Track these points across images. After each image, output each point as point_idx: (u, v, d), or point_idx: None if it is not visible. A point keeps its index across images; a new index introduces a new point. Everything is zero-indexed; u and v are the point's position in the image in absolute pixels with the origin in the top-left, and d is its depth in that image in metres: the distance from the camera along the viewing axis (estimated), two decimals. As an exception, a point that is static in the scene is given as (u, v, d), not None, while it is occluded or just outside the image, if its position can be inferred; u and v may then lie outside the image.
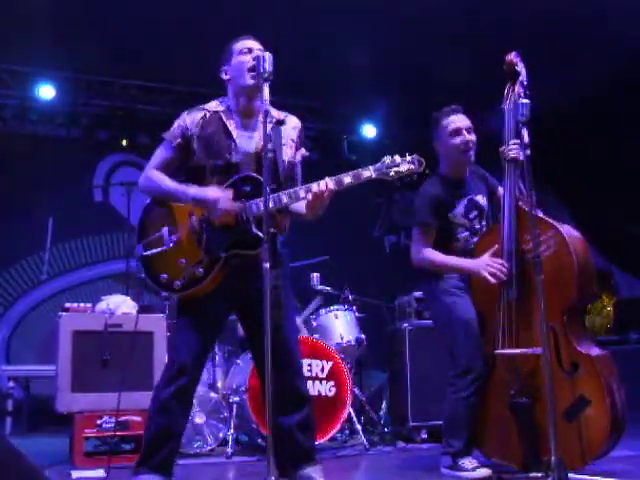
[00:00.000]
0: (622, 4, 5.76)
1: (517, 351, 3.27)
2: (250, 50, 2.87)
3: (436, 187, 3.56)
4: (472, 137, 3.51)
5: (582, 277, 3.23)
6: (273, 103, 2.62)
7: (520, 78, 3.40)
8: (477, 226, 3.59)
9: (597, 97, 6.91)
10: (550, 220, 3.30)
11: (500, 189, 3.59)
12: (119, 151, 7.71)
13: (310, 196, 2.72)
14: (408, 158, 2.76)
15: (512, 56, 3.42)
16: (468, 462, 3.42)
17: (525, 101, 3.08)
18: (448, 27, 6.01)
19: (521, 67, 3.41)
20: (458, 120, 3.53)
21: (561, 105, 6.75)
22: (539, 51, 6.23)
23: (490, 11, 5.81)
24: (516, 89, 3.40)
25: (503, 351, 3.31)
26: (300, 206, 2.87)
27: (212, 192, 2.77)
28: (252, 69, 2.81)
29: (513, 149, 3.34)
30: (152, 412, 2.81)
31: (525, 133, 3.03)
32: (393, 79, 6.87)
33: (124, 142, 7.61)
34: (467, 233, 3.57)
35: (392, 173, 2.74)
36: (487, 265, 3.31)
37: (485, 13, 5.84)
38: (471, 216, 3.58)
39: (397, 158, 2.75)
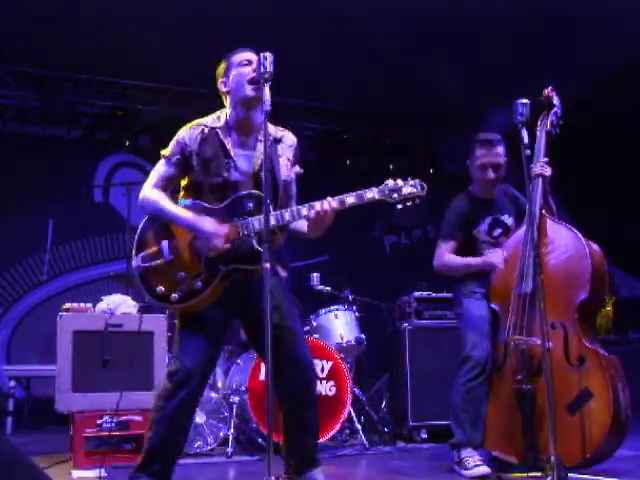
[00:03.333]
0: (622, 4, 5.76)
1: (524, 339, 3.44)
2: (250, 62, 2.86)
3: (464, 204, 3.86)
4: (495, 175, 3.80)
5: (596, 281, 3.45)
6: (273, 104, 2.62)
7: (554, 109, 3.73)
8: (502, 243, 3.79)
9: (597, 97, 6.91)
10: (571, 227, 3.56)
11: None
12: (119, 152, 7.72)
13: (312, 214, 2.73)
14: (411, 182, 2.79)
15: (549, 90, 3.74)
16: (471, 459, 3.47)
17: (525, 101, 3.10)
18: (448, 27, 6.01)
19: (557, 100, 3.74)
20: (487, 155, 3.79)
21: (561, 104, 6.74)
22: (539, 51, 6.28)
23: (490, 11, 5.82)
24: (549, 118, 3.72)
25: (514, 337, 3.49)
26: (301, 225, 2.89)
27: (208, 225, 2.76)
28: (252, 81, 2.81)
29: (539, 166, 3.63)
30: (155, 421, 2.78)
31: (525, 133, 3.06)
32: (394, 78, 6.88)
33: (127, 143, 7.61)
34: (492, 249, 3.77)
35: (395, 196, 2.76)
36: (492, 256, 3.64)
37: (485, 13, 5.84)
38: (495, 234, 3.82)
39: (399, 182, 2.78)
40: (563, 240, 3.54)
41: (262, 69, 2.60)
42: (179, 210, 2.84)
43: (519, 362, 3.46)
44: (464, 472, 3.47)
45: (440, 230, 3.88)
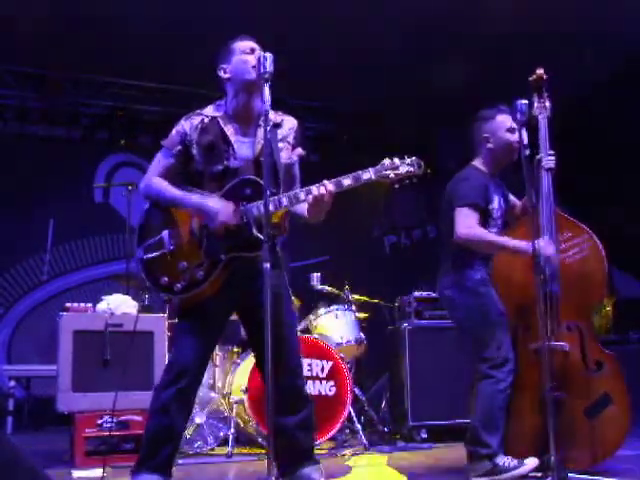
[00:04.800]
0: (622, 4, 5.77)
1: (561, 344, 3.29)
2: (253, 50, 2.88)
3: (482, 176, 3.57)
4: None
5: (605, 282, 3.41)
6: (273, 103, 2.62)
7: (545, 93, 3.52)
8: (500, 225, 3.59)
9: (597, 97, 6.91)
10: (583, 225, 3.46)
11: (511, 197, 3.73)
12: (119, 152, 7.72)
13: (310, 198, 2.74)
14: (407, 160, 2.78)
15: (542, 71, 3.51)
16: (510, 461, 3.25)
17: (524, 101, 3.10)
18: (448, 27, 6.02)
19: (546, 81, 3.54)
20: (511, 120, 3.52)
21: (561, 105, 6.75)
22: (539, 51, 6.27)
23: (490, 11, 5.82)
24: (545, 102, 3.51)
25: (555, 343, 3.28)
26: (302, 209, 2.89)
27: (213, 203, 2.78)
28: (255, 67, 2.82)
29: (551, 160, 3.47)
30: (152, 414, 2.81)
31: (525, 134, 3.05)
32: (394, 78, 6.88)
33: (122, 142, 7.61)
34: (496, 229, 3.55)
35: (392, 175, 2.76)
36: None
37: (485, 13, 5.85)
38: (499, 214, 3.60)
39: (396, 160, 2.77)
40: (578, 239, 3.45)
41: (262, 69, 2.61)
42: (182, 193, 2.87)
43: (551, 368, 3.16)
44: (510, 474, 3.22)
45: (461, 197, 3.45)
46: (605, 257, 3.39)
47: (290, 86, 5.06)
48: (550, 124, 3.52)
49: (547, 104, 3.51)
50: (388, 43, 6.22)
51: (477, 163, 3.65)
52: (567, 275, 3.38)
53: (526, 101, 3.12)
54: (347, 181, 2.76)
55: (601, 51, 6.32)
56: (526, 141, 3.04)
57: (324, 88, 7.09)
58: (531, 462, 3.22)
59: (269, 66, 2.60)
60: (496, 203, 3.54)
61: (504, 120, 3.58)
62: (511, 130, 3.54)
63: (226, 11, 5.68)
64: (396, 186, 2.77)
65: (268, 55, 2.63)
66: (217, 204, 2.77)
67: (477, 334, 3.42)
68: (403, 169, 2.76)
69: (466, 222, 3.38)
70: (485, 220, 3.49)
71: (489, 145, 3.60)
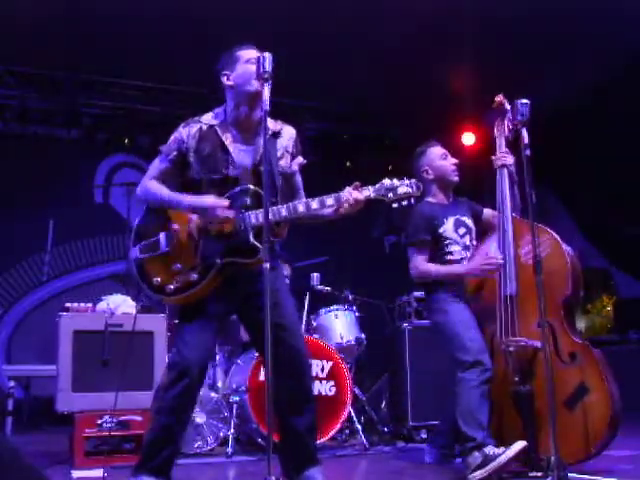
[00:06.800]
0: (622, 4, 5.77)
1: (516, 340, 3.47)
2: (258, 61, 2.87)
3: (427, 207, 3.81)
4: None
5: (574, 276, 3.52)
6: (273, 104, 2.63)
7: (508, 115, 3.76)
8: (468, 242, 3.78)
9: (597, 97, 6.91)
10: (543, 226, 3.55)
11: (486, 212, 3.92)
12: (119, 152, 7.72)
13: (307, 214, 2.80)
14: (406, 182, 2.82)
15: (501, 97, 3.77)
16: (496, 449, 3.30)
17: (525, 101, 3.12)
18: (448, 27, 6.02)
19: (508, 106, 3.74)
20: (442, 149, 3.90)
21: (561, 105, 6.76)
22: (539, 51, 6.28)
23: (490, 11, 5.82)
24: (505, 124, 3.79)
25: (507, 339, 3.49)
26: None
27: (209, 200, 2.82)
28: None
29: (501, 157, 3.72)
30: (154, 414, 2.82)
31: (525, 133, 3.07)
32: (394, 78, 6.88)
33: (126, 141, 7.61)
34: (459, 247, 3.74)
35: (390, 195, 2.80)
36: (481, 264, 3.55)
37: (485, 13, 5.85)
38: (460, 232, 3.77)
39: (395, 181, 2.81)
40: (540, 239, 3.45)
41: (262, 69, 2.62)
42: (178, 195, 2.90)
43: (513, 364, 3.47)
44: (497, 462, 3.25)
45: (408, 236, 3.81)
46: (566, 253, 3.51)
47: (290, 86, 5.06)
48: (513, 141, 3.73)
49: (508, 126, 3.76)
50: (388, 43, 6.22)
51: (427, 197, 3.87)
52: (532, 275, 3.42)
53: (526, 101, 3.14)
54: (345, 197, 2.79)
55: (602, 51, 6.33)
56: (527, 141, 3.06)
57: (324, 88, 7.09)
58: (517, 445, 3.27)
59: (268, 66, 2.61)
60: (450, 224, 3.75)
61: (435, 150, 3.87)
62: (444, 157, 3.85)
63: (226, 11, 5.68)
64: (394, 205, 2.80)
65: (267, 55, 2.64)
66: (213, 200, 2.81)
67: (449, 345, 3.61)
68: (401, 190, 2.80)
69: (414, 262, 3.72)
70: (441, 243, 3.73)
71: (430, 177, 3.85)
